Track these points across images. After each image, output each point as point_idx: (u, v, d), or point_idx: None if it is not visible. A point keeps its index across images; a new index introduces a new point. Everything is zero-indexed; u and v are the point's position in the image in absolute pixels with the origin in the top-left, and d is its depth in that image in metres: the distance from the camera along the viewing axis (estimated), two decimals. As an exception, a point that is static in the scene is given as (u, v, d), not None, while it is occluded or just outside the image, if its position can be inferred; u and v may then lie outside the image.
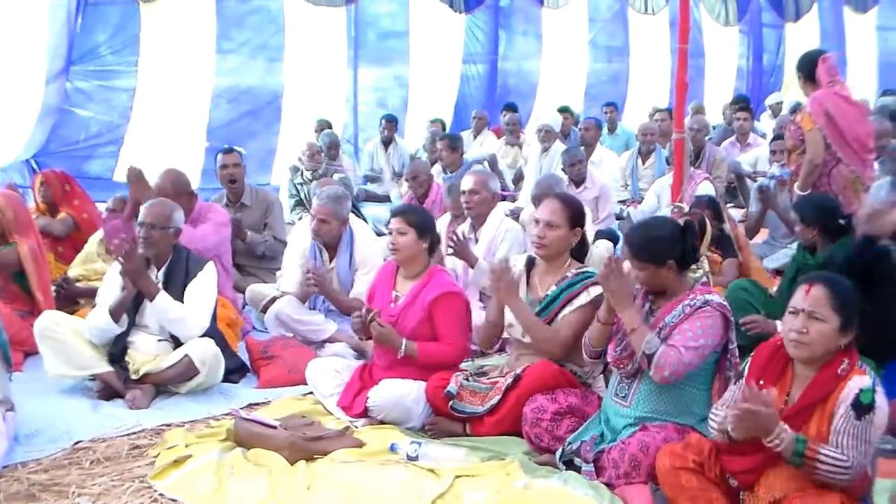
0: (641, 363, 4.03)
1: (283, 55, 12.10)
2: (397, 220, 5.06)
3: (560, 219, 4.71)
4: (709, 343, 4.03)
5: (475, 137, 13.07)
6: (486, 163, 11.33)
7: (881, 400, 3.44)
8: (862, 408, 3.39)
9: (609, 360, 4.27)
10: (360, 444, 4.54)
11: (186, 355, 5.21)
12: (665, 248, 4.14)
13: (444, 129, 13.09)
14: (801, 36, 18.53)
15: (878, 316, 4.60)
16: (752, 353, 3.83)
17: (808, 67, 6.25)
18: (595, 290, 4.56)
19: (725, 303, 4.19)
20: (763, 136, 12.56)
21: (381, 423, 4.83)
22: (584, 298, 4.60)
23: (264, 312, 6.34)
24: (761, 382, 3.63)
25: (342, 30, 12.90)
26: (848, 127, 6.24)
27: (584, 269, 4.78)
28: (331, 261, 6.17)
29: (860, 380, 3.44)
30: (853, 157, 6.24)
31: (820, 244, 5.60)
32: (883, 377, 4.79)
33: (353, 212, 8.14)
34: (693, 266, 5.72)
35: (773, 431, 3.37)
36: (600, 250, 6.60)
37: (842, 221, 5.59)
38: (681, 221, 4.41)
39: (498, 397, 4.60)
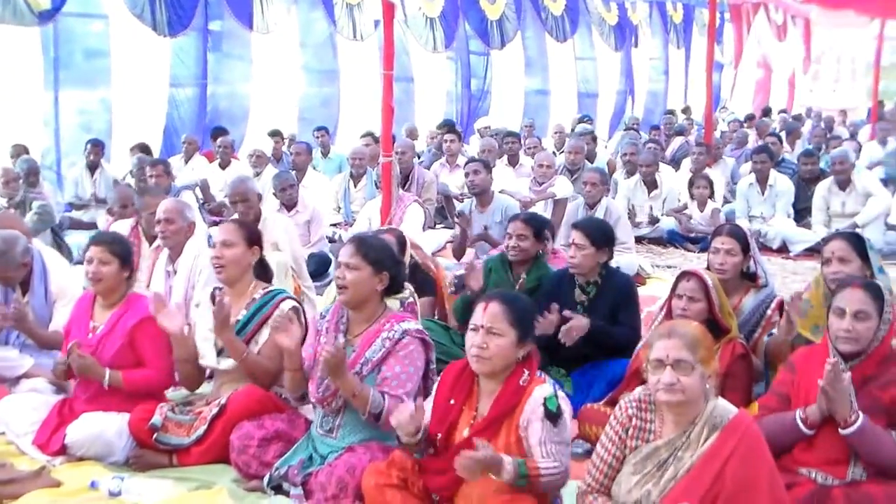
0: (369, 420, 4.06)
1: (-31, 76, 11.38)
2: (99, 250, 4.86)
3: (234, 237, 4.77)
4: (419, 373, 4.16)
5: (186, 162, 12.77)
6: (197, 188, 11.12)
7: (564, 403, 3.68)
8: (553, 415, 3.59)
9: (313, 399, 4.28)
10: (58, 484, 4.36)
11: None
12: (388, 257, 4.24)
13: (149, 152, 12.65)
14: (508, 63, 19.37)
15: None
16: (441, 374, 3.97)
17: None
18: (286, 305, 4.61)
19: (420, 326, 4.29)
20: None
21: (82, 459, 4.63)
22: None
23: (-49, 350, 5.91)
24: (452, 402, 3.78)
25: (37, 50, 12.26)
26: None
27: (270, 289, 4.83)
28: (24, 294, 5.82)
29: (542, 389, 3.65)
30: None
31: None
32: (572, 386, 5.20)
33: (55, 241, 7.75)
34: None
35: (502, 468, 3.47)
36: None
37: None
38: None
39: (204, 427, 4.53)
